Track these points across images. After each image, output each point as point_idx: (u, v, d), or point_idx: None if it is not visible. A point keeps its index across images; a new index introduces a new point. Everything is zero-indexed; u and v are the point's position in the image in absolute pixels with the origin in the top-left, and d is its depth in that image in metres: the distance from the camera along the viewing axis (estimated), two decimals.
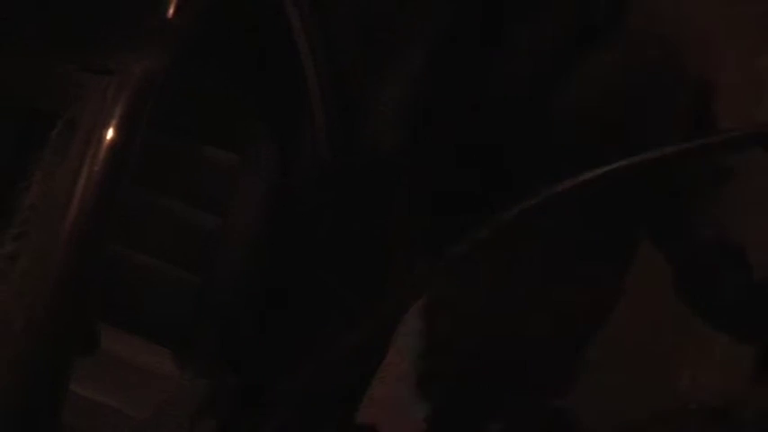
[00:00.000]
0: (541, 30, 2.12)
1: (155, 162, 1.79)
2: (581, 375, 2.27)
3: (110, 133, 1.44)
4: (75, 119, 1.45)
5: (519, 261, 2.13)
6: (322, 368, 1.75)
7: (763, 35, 2.62)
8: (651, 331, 2.55)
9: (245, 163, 1.89)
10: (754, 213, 2.29)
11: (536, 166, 2.05)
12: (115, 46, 1.52)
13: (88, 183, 1.41)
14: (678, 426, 2.16)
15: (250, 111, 1.95)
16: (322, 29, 1.89)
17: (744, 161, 1.99)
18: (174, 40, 1.55)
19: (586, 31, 2.10)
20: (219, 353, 1.98)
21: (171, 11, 1.56)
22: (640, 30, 2.11)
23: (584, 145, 2.01)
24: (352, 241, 2.08)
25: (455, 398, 2.36)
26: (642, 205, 2.13)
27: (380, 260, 2.13)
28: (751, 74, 2.60)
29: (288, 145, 2.04)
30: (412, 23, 2.35)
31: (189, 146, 2.05)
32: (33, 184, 1.45)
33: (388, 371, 2.27)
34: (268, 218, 1.97)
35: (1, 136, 2.06)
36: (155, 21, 1.55)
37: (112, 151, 1.44)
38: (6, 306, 1.33)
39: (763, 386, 2.18)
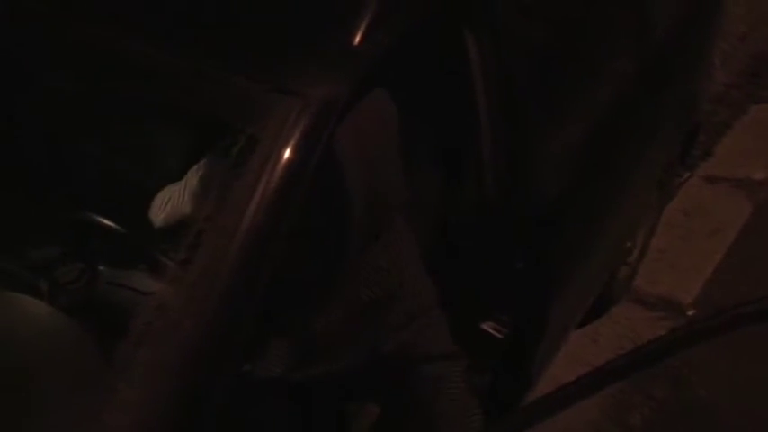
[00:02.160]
0: None
1: None
2: None
3: (288, 152, 1.47)
4: (257, 135, 1.49)
5: None
6: None
7: None
8: None
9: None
10: None
11: None
12: (301, 69, 1.55)
13: (263, 198, 1.44)
14: None
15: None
16: (500, 69, 1.88)
17: None
18: (358, 68, 1.56)
19: None
20: None
21: (357, 39, 1.58)
22: None
23: None
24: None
25: None
26: None
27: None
28: None
29: (454, 180, 2.05)
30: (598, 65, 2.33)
31: None
32: (211, 195, 1.49)
33: None
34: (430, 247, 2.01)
35: (177, 146, 2.17)
36: (341, 48, 1.57)
37: (289, 170, 1.46)
38: (177, 310, 1.37)
39: None
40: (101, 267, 2.02)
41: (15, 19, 1.89)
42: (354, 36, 1.58)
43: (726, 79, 4.62)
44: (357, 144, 1.73)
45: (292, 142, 1.48)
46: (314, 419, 1.95)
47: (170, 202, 1.91)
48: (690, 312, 3.25)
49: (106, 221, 1.86)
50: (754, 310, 1.25)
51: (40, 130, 2.32)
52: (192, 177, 1.86)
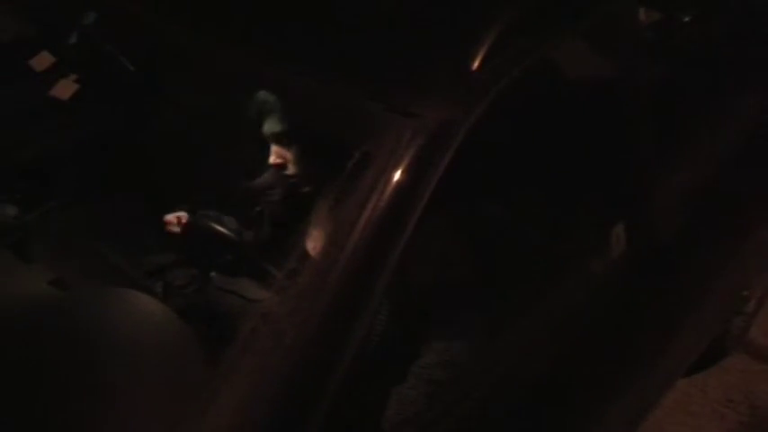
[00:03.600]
0: None
1: None
2: None
3: (400, 172, 1.49)
4: (372, 153, 1.51)
5: None
6: None
7: None
8: None
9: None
10: None
11: None
12: (420, 92, 1.57)
13: (374, 215, 1.46)
14: None
15: None
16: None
17: None
18: (476, 93, 1.57)
19: None
20: None
21: (476, 64, 1.59)
22: None
23: None
24: None
25: None
26: None
27: None
28: None
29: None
30: None
31: None
32: (322, 209, 1.52)
33: None
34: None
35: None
36: (460, 72, 1.58)
37: (401, 189, 1.48)
38: (282, 319, 1.40)
39: None
40: (212, 273, 2.09)
41: (152, 41, 2.00)
42: (473, 62, 1.59)
43: None
44: None
45: (405, 162, 1.49)
46: None
47: None
48: None
49: (220, 229, 1.92)
50: None
51: (162, 140, 2.42)
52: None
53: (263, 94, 2.04)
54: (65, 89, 2.12)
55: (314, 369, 1.39)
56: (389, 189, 1.48)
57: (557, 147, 2.08)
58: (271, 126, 2.02)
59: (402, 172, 1.49)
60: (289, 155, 2.03)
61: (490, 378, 1.79)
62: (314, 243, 1.51)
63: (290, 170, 2.05)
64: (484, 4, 1.72)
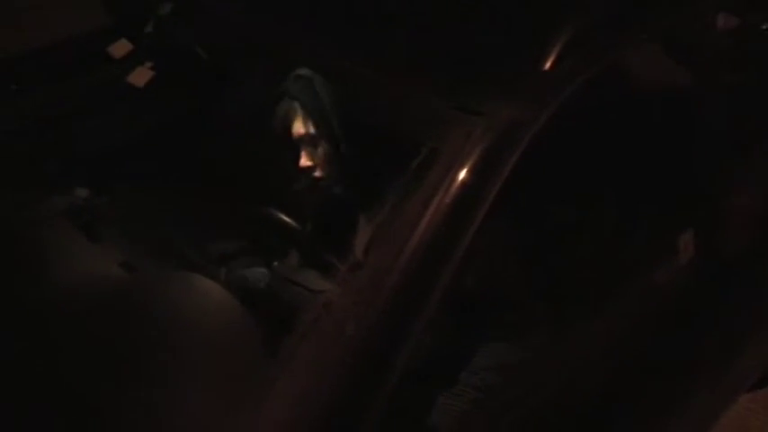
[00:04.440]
0: None
1: None
2: None
3: (467, 170, 1.49)
4: (438, 151, 1.52)
5: None
6: None
7: None
8: None
9: None
10: None
11: None
12: (489, 91, 1.57)
13: (437, 212, 1.46)
14: None
15: None
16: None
17: None
18: (547, 94, 1.56)
19: None
20: None
21: (548, 64, 1.58)
22: None
23: None
24: None
25: None
26: None
27: None
28: None
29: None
30: None
31: None
32: (386, 204, 1.53)
33: None
34: None
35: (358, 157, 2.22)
36: (531, 72, 1.58)
37: (466, 188, 1.48)
38: (343, 310, 1.41)
39: None
40: (275, 263, 2.11)
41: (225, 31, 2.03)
42: (545, 62, 1.58)
43: None
44: None
45: (472, 160, 1.49)
46: None
47: None
48: None
49: (286, 219, 1.93)
50: None
51: (230, 130, 2.45)
52: None
53: (287, 101, 2.03)
54: (140, 76, 2.17)
55: (373, 362, 1.40)
56: (455, 187, 1.48)
57: (625, 152, 2.05)
58: (298, 128, 2.02)
59: (468, 170, 1.49)
60: (318, 157, 2.03)
61: (546, 386, 1.78)
62: (378, 237, 1.51)
63: (321, 172, 2.04)
64: (558, 6, 1.71)
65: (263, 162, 2.23)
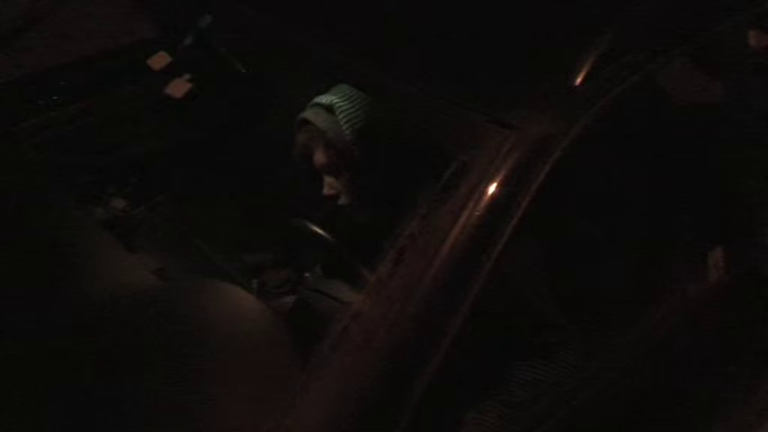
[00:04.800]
0: None
1: None
2: None
3: (497, 183, 1.49)
4: (469, 163, 1.53)
5: None
6: None
7: None
8: None
9: None
10: None
11: None
12: (521, 104, 1.57)
13: (467, 225, 1.47)
14: None
15: None
16: None
17: None
18: (578, 109, 1.56)
19: None
20: None
21: (579, 79, 1.58)
22: None
23: None
24: None
25: None
26: None
27: None
28: None
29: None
30: None
31: None
32: (417, 216, 1.54)
33: None
34: None
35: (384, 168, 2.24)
36: (562, 87, 1.58)
37: (496, 200, 1.49)
38: (373, 320, 1.42)
39: None
40: (306, 274, 2.14)
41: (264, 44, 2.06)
42: (576, 77, 1.59)
43: None
44: None
45: (502, 173, 1.50)
46: None
47: None
48: None
49: (318, 230, 1.95)
50: None
51: (266, 142, 2.48)
52: None
53: (308, 129, 2.04)
54: (178, 88, 2.22)
55: (401, 372, 1.41)
56: (485, 200, 1.49)
57: (656, 167, 2.05)
58: (319, 157, 2.03)
59: (499, 183, 1.49)
60: (341, 185, 2.04)
61: (576, 397, 1.78)
62: (407, 248, 1.52)
63: (344, 200, 2.05)
64: (590, 20, 1.71)
65: (294, 179, 2.26)
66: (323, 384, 1.42)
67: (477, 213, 1.48)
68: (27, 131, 2.37)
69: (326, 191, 2.04)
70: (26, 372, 1.61)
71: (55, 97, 2.42)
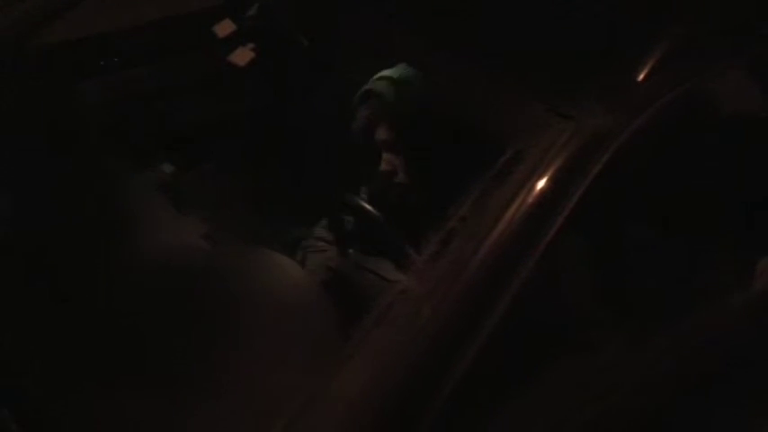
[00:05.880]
0: None
1: None
2: None
3: (552, 172, 1.50)
4: (525, 151, 1.53)
5: None
6: None
7: None
8: None
9: None
10: None
11: None
12: (582, 96, 1.57)
13: (519, 211, 1.48)
14: None
15: None
16: None
17: None
18: (639, 104, 1.56)
19: None
20: None
21: (642, 75, 1.58)
22: None
23: None
24: None
25: None
26: None
27: None
28: None
29: None
30: None
31: None
32: (469, 199, 1.55)
33: None
34: None
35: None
36: (625, 81, 1.58)
37: (549, 190, 1.49)
38: (419, 298, 1.44)
39: None
40: (351, 251, 2.15)
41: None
42: (640, 72, 1.58)
43: None
44: None
45: (557, 163, 1.50)
46: None
47: None
48: None
49: (366, 206, 1.97)
50: None
51: (318, 118, 2.50)
52: None
53: (370, 104, 2.03)
54: (242, 56, 2.25)
55: (444, 351, 1.42)
56: (538, 188, 1.49)
57: (705, 173, 2.03)
58: (380, 133, 2.02)
59: (553, 173, 1.50)
60: (399, 163, 2.03)
61: (616, 391, 1.78)
62: (457, 230, 1.53)
63: (401, 178, 2.05)
64: (657, 17, 1.71)
65: (347, 154, 2.27)
66: (365, 358, 1.43)
67: (529, 201, 1.48)
68: (87, 92, 2.41)
69: (384, 167, 2.05)
70: (79, 325, 1.66)
71: (116, 59, 2.45)
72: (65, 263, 1.81)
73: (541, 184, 1.49)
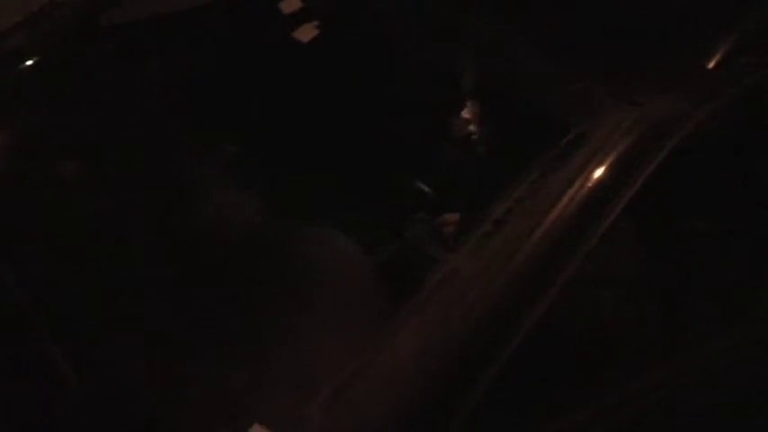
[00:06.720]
0: None
1: None
2: None
3: (612, 157, 1.48)
4: (587, 134, 1.51)
5: None
6: None
7: None
8: None
9: None
10: None
11: None
12: (650, 83, 1.55)
13: (578, 194, 1.46)
14: None
15: None
16: None
17: None
18: (708, 93, 1.52)
19: None
20: None
21: (713, 63, 1.55)
22: None
23: None
24: None
25: None
26: None
27: None
28: None
29: None
30: None
31: None
32: (527, 180, 1.53)
33: None
34: None
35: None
36: (694, 69, 1.55)
37: (609, 175, 1.47)
38: (469, 276, 1.43)
39: None
40: (406, 232, 2.15)
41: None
42: (711, 59, 1.55)
43: None
44: None
45: (619, 148, 1.48)
46: None
47: None
48: None
49: (423, 186, 1.96)
50: None
51: (381, 97, 2.49)
52: None
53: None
54: (306, 33, 2.26)
55: (490, 333, 1.41)
56: (598, 173, 1.47)
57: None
58: (467, 83, 2.07)
59: (615, 158, 1.48)
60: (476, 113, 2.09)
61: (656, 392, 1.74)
62: (514, 210, 1.52)
63: (473, 128, 2.09)
64: (728, 10, 1.67)
65: (410, 130, 2.27)
66: (413, 332, 1.43)
67: (588, 185, 1.46)
68: (149, 71, 2.44)
69: (465, 114, 2.11)
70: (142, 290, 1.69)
71: (186, 38, 2.48)
72: (127, 232, 1.85)
73: (602, 169, 1.47)
